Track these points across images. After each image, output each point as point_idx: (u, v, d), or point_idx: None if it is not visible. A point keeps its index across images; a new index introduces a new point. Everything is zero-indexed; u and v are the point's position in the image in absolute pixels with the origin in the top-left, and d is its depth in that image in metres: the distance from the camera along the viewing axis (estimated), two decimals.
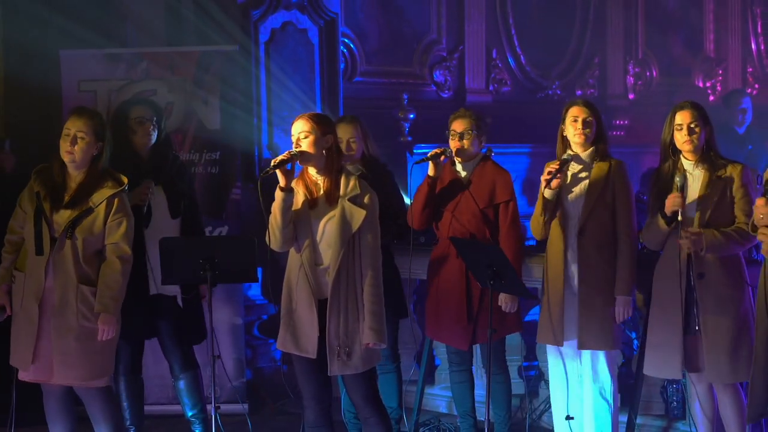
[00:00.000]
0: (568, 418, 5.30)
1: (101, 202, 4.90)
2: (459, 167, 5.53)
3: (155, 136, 5.57)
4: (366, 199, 4.58)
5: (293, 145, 4.60)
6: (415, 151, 8.94)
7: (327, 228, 4.58)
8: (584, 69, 11.41)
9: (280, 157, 4.52)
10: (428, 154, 5.44)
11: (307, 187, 4.63)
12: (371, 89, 9.48)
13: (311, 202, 4.61)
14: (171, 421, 6.42)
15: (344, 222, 4.54)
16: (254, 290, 7.66)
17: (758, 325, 3.99)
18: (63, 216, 4.88)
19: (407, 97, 9.23)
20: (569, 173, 5.29)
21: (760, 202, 4.14)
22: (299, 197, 4.61)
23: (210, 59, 6.92)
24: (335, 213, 4.56)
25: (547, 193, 5.20)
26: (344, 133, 5.65)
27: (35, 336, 4.89)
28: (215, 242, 5.44)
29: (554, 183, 5.18)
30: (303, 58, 8.11)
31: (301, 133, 4.57)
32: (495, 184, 5.46)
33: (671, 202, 4.88)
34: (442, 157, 5.45)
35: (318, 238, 4.60)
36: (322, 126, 4.59)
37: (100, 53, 7.00)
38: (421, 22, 10.05)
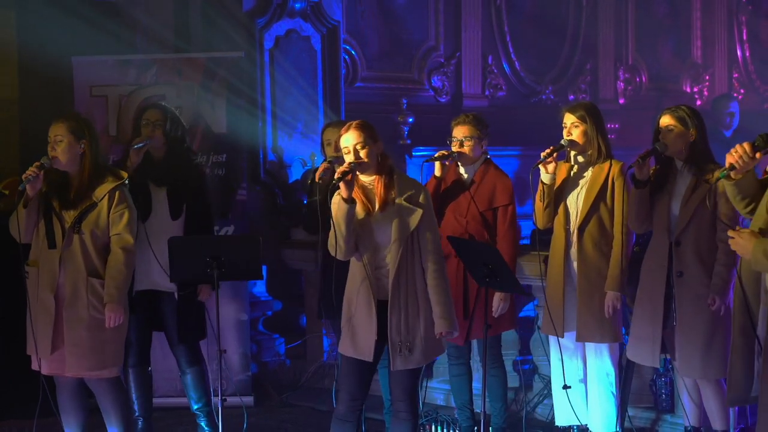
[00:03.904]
0: (565, 387, 5.31)
1: (103, 196, 4.96)
2: (462, 170, 5.53)
3: (164, 138, 5.59)
4: (421, 198, 4.57)
5: (344, 157, 4.55)
6: (414, 153, 8.94)
7: (386, 230, 4.55)
8: (576, 75, 11.40)
9: (341, 169, 4.47)
10: (435, 155, 5.44)
11: (364, 195, 4.59)
12: (371, 94, 9.47)
13: (369, 208, 4.58)
14: (179, 413, 6.41)
15: (402, 222, 4.52)
16: (259, 287, 7.66)
17: (735, 313, 3.97)
18: (70, 213, 4.95)
19: (406, 102, 9.23)
20: (571, 173, 5.31)
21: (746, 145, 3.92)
22: (358, 206, 4.58)
23: (217, 65, 6.91)
24: (392, 215, 4.54)
25: (544, 176, 5.24)
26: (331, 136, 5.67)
27: (53, 325, 4.92)
28: (222, 241, 5.42)
29: (550, 167, 5.21)
30: (306, 64, 8.10)
31: (357, 144, 4.52)
32: (495, 188, 5.47)
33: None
34: (449, 160, 5.45)
35: (378, 242, 4.58)
36: (373, 134, 4.57)
37: (111, 59, 7.00)
38: (420, 30, 10.05)
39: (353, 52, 9.38)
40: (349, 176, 4.46)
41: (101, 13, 7.63)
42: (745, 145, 3.87)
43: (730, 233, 3.85)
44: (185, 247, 5.17)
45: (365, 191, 4.60)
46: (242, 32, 7.73)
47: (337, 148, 5.57)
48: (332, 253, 4.60)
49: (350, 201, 4.49)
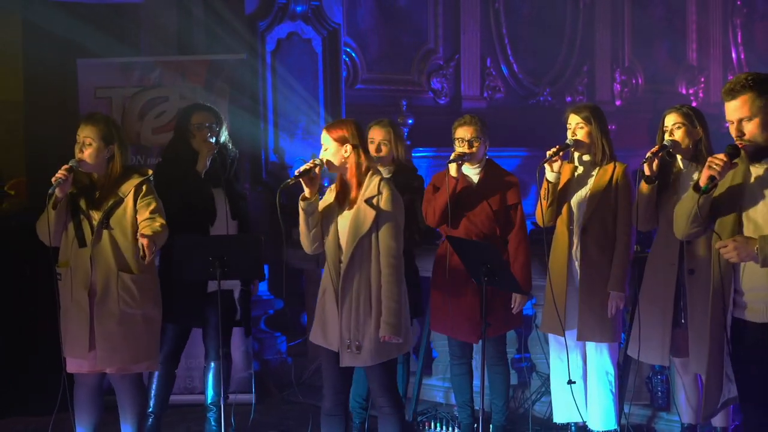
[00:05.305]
0: (570, 382, 5.31)
1: (129, 191, 4.95)
2: (469, 171, 5.52)
3: (214, 141, 5.58)
4: (382, 200, 4.52)
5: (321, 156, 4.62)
6: (413, 154, 8.95)
7: (342, 227, 4.58)
8: (573, 77, 11.42)
9: (303, 167, 4.50)
10: (451, 157, 5.42)
11: (341, 189, 4.63)
12: (372, 96, 9.48)
13: (341, 203, 4.61)
14: (182, 411, 6.43)
15: (356, 221, 4.52)
16: (261, 286, 7.65)
17: (712, 326, 3.93)
18: (98, 211, 4.93)
19: (406, 104, 9.24)
20: (575, 174, 5.32)
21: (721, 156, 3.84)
22: (329, 198, 4.62)
23: (219, 67, 6.92)
24: (351, 214, 4.55)
25: (550, 175, 5.24)
26: (377, 135, 5.65)
27: (89, 322, 4.90)
28: (224, 241, 5.42)
29: (555, 165, 5.22)
30: (307, 67, 8.11)
31: (323, 145, 4.59)
32: (505, 186, 5.47)
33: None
34: (463, 160, 5.42)
35: (340, 237, 4.60)
36: (339, 136, 4.57)
37: (115, 62, 7.01)
38: (419, 33, 10.07)
39: (354, 55, 9.39)
40: (310, 174, 4.50)
41: (105, 15, 7.64)
42: (721, 155, 3.84)
43: (720, 243, 3.79)
44: (189, 247, 5.18)
45: (343, 188, 4.63)
46: (244, 35, 7.73)
47: (379, 148, 5.61)
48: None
49: (307, 198, 4.52)
